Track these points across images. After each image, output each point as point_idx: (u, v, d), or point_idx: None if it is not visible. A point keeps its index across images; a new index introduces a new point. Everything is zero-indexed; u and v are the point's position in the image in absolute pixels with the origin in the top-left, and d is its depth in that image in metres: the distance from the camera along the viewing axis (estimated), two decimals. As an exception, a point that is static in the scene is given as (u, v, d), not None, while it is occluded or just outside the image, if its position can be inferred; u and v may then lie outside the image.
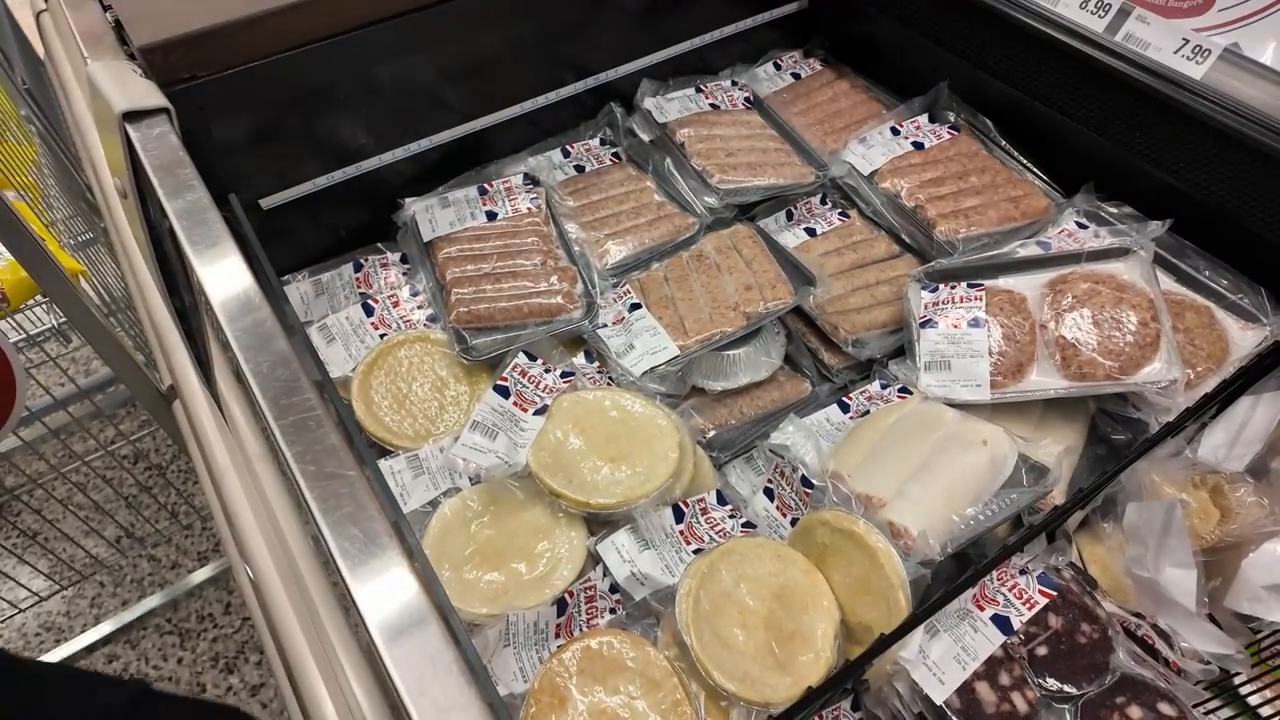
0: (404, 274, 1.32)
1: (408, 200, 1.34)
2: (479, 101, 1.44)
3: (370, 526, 0.58)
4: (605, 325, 1.23)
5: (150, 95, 0.96)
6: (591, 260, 1.30)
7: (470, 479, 0.98)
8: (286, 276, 1.32)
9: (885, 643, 0.72)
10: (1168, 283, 1.18)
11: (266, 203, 1.26)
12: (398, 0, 1.22)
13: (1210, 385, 1.05)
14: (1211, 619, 1.10)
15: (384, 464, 1.05)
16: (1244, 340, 1.11)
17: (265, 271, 1.03)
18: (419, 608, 0.55)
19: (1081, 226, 1.24)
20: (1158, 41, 1.10)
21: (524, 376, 0.99)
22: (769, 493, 1.11)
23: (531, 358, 1.01)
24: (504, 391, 0.97)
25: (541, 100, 1.50)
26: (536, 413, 0.98)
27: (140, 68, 1.02)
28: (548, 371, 1.01)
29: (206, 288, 0.75)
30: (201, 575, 2.23)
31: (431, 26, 1.28)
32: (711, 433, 1.23)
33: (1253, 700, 1.02)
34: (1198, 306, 1.14)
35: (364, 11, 1.21)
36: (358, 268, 1.32)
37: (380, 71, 1.29)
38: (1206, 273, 1.16)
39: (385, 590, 0.55)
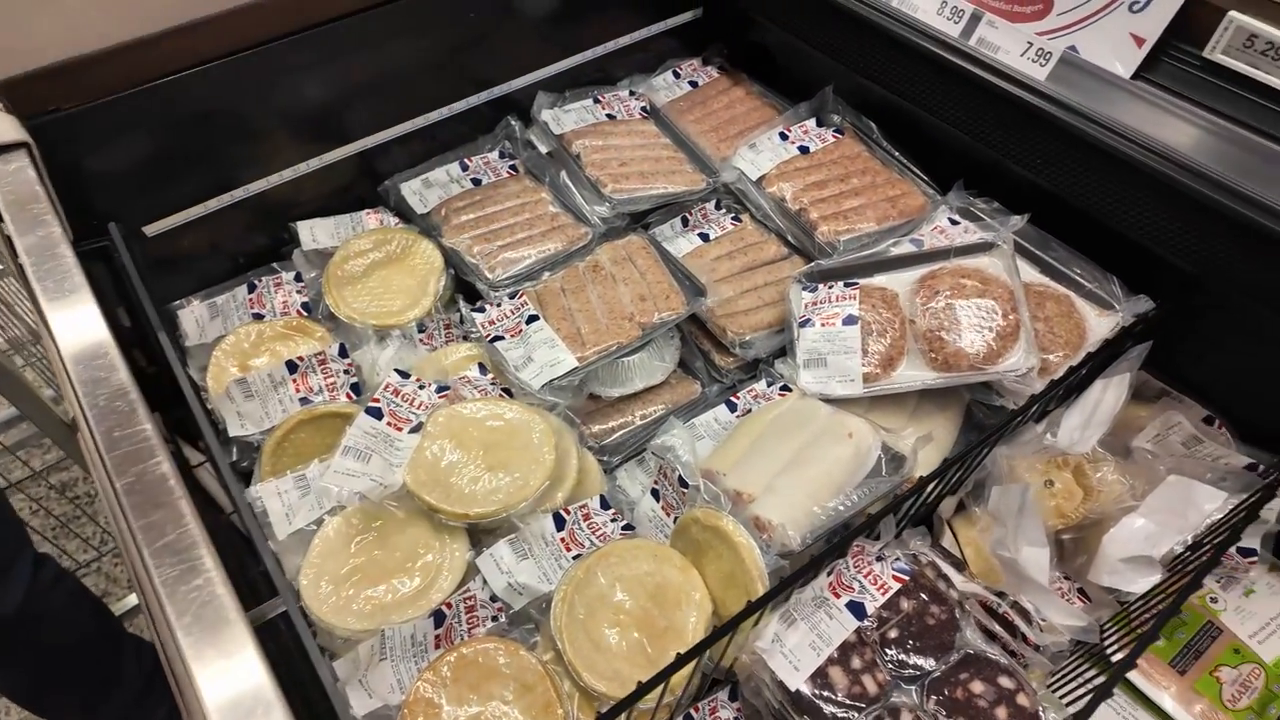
0: (298, 292, 1.32)
1: (183, 302, 1.31)
2: (375, 117, 1.46)
3: (193, 553, 0.60)
4: (503, 338, 1.25)
5: (8, 130, 0.96)
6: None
7: (344, 504, 0.99)
8: (180, 300, 1.32)
9: (716, 636, 0.75)
10: (1031, 273, 1.24)
11: (151, 230, 1.26)
12: (276, 23, 1.23)
13: (1067, 371, 1.10)
14: (1083, 593, 1.16)
15: (271, 484, 1.06)
16: (1100, 326, 1.17)
17: (140, 299, 1.04)
18: (234, 629, 0.57)
19: (953, 223, 1.29)
20: (1006, 45, 1.15)
21: (397, 395, 1.01)
22: (655, 493, 1.14)
23: (404, 376, 1.03)
24: (376, 413, 0.99)
25: (439, 114, 1.52)
26: (412, 430, 1.00)
27: (1, 102, 1.02)
28: (422, 388, 1.03)
29: (50, 324, 0.75)
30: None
31: (321, 45, 1.30)
32: (608, 438, 1.26)
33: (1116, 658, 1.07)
34: (1058, 295, 1.20)
35: (245, 35, 1.22)
36: (251, 288, 1.32)
37: (267, 92, 1.30)
38: (1066, 263, 1.22)
39: (202, 614, 0.57)
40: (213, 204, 1.32)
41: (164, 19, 1.12)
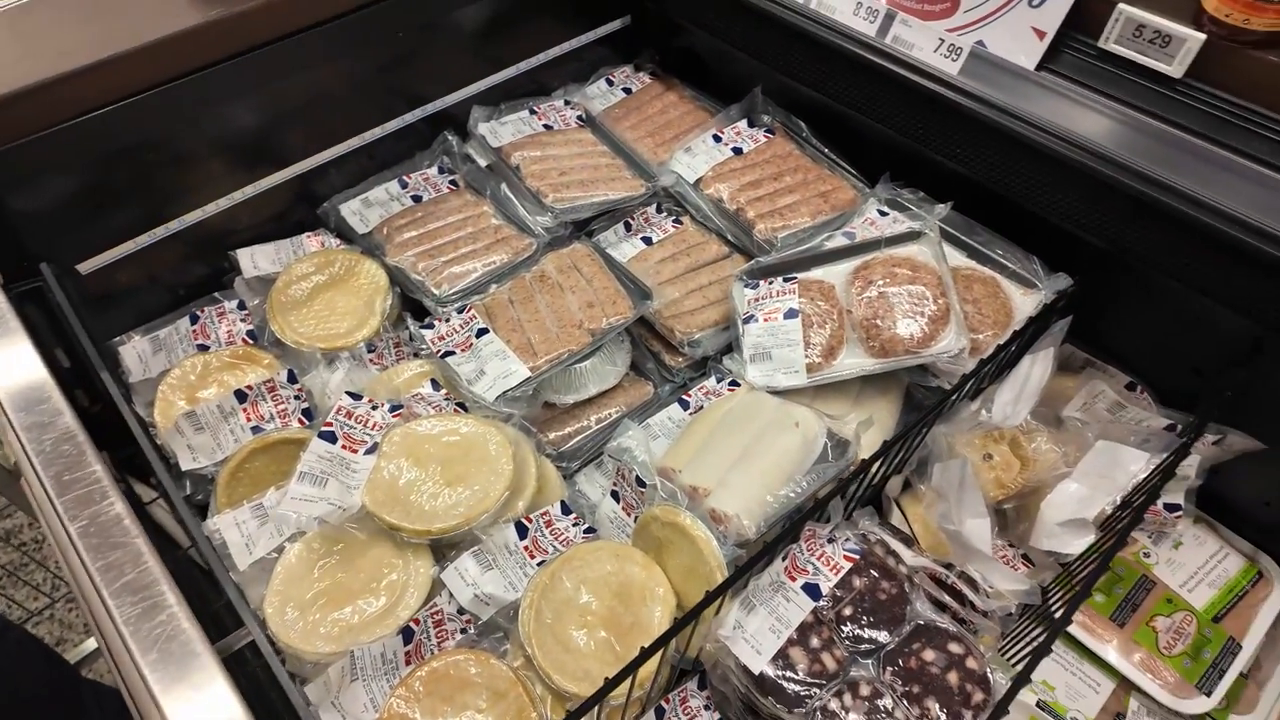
0: (242, 320, 1.31)
1: (124, 338, 1.28)
2: (310, 140, 1.45)
3: (154, 590, 0.60)
4: (454, 353, 1.26)
5: (-74, 176, 0.94)
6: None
7: (304, 530, 1.00)
8: (121, 337, 1.30)
9: (678, 626, 0.78)
10: (958, 258, 1.30)
11: (85, 267, 1.24)
12: (200, 53, 1.22)
13: (997, 349, 1.16)
14: (1027, 558, 1.22)
15: (228, 515, 1.05)
16: (1025, 305, 1.23)
17: (78, 338, 1.02)
18: (202, 660, 0.58)
19: (882, 214, 1.34)
20: (919, 42, 1.20)
21: (350, 418, 1.02)
22: (615, 495, 1.16)
23: (356, 397, 1.03)
24: (330, 437, 0.99)
25: (375, 133, 1.52)
26: (368, 452, 1.01)
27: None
28: (375, 409, 1.04)
29: (-12, 370, 0.75)
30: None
31: (248, 72, 1.29)
32: (565, 445, 1.28)
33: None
34: (984, 278, 1.26)
35: (168, 66, 1.21)
36: (194, 320, 1.31)
37: (196, 122, 1.28)
38: (990, 246, 1.28)
39: (168, 649, 0.58)
40: (148, 237, 1.30)
41: (81, 56, 1.10)
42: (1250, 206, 0.96)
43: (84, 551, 0.62)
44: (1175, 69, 0.99)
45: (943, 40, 1.18)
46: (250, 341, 1.30)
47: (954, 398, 1.08)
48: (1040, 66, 1.11)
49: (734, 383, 1.26)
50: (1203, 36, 0.96)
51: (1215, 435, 1.19)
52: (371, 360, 1.30)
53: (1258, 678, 1.22)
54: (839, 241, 1.31)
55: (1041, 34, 1.09)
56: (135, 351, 1.29)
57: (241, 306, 1.33)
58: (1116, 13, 1.01)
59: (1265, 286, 0.99)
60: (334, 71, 1.40)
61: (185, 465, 1.14)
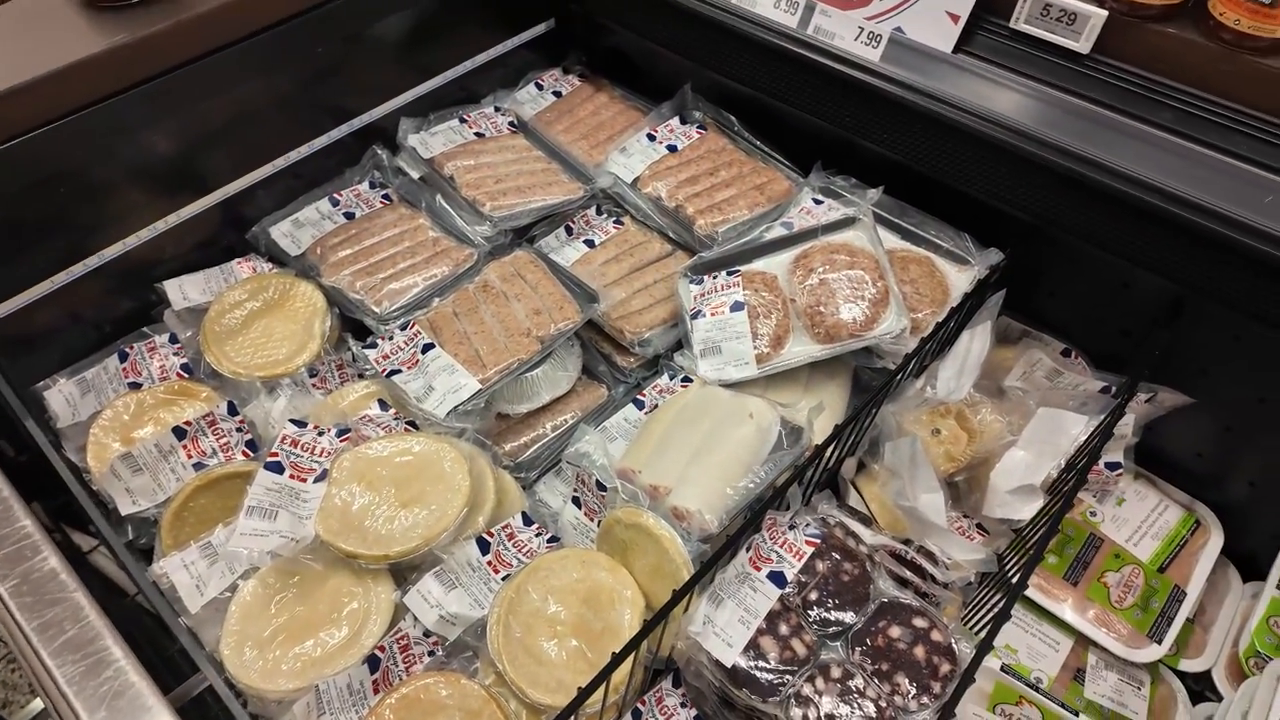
0: (175, 354, 1.27)
1: (48, 382, 1.22)
2: (233, 163, 1.41)
3: (97, 645, 0.57)
4: (400, 371, 1.24)
5: None
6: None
7: (257, 565, 0.97)
8: (45, 381, 1.24)
9: (647, 629, 0.78)
10: (893, 240, 1.32)
11: (-1, 310, 1.18)
12: (111, 79, 1.17)
13: (938, 327, 1.18)
14: (981, 528, 1.25)
15: (175, 557, 1.01)
16: (960, 281, 1.27)
17: (-4, 388, 0.97)
18: (154, 715, 0.55)
19: (817, 202, 1.36)
20: (840, 31, 1.22)
21: (296, 446, 0.99)
22: (576, 501, 1.16)
23: (301, 425, 1.00)
24: (276, 467, 0.97)
25: (301, 151, 1.48)
26: (317, 480, 0.98)
27: None
28: (321, 435, 1.01)
29: (-103, 429, 0.70)
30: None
31: (163, 96, 1.24)
32: (522, 455, 1.26)
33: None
34: (919, 258, 1.29)
35: (78, 95, 1.16)
36: (123, 357, 1.25)
37: (111, 151, 1.23)
38: (923, 227, 1.31)
39: (116, 705, 0.55)
40: (66, 275, 1.24)
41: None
42: (1162, 173, 1.01)
43: (17, 611, 0.58)
44: (1083, 45, 1.03)
45: (862, 28, 1.20)
46: (185, 375, 1.25)
47: (899, 377, 1.11)
48: (957, 49, 1.14)
49: (686, 379, 1.26)
50: (1105, 13, 0.99)
51: (1147, 393, 1.24)
52: (314, 385, 1.26)
53: (1203, 622, 1.28)
54: (778, 232, 1.32)
55: (955, 17, 1.12)
56: (62, 395, 1.23)
57: (173, 340, 1.28)
58: (1025, -7, 1.05)
59: (1181, 248, 1.04)
60: (253, 91, 1.36)
61: (125, 510, 1.09)
